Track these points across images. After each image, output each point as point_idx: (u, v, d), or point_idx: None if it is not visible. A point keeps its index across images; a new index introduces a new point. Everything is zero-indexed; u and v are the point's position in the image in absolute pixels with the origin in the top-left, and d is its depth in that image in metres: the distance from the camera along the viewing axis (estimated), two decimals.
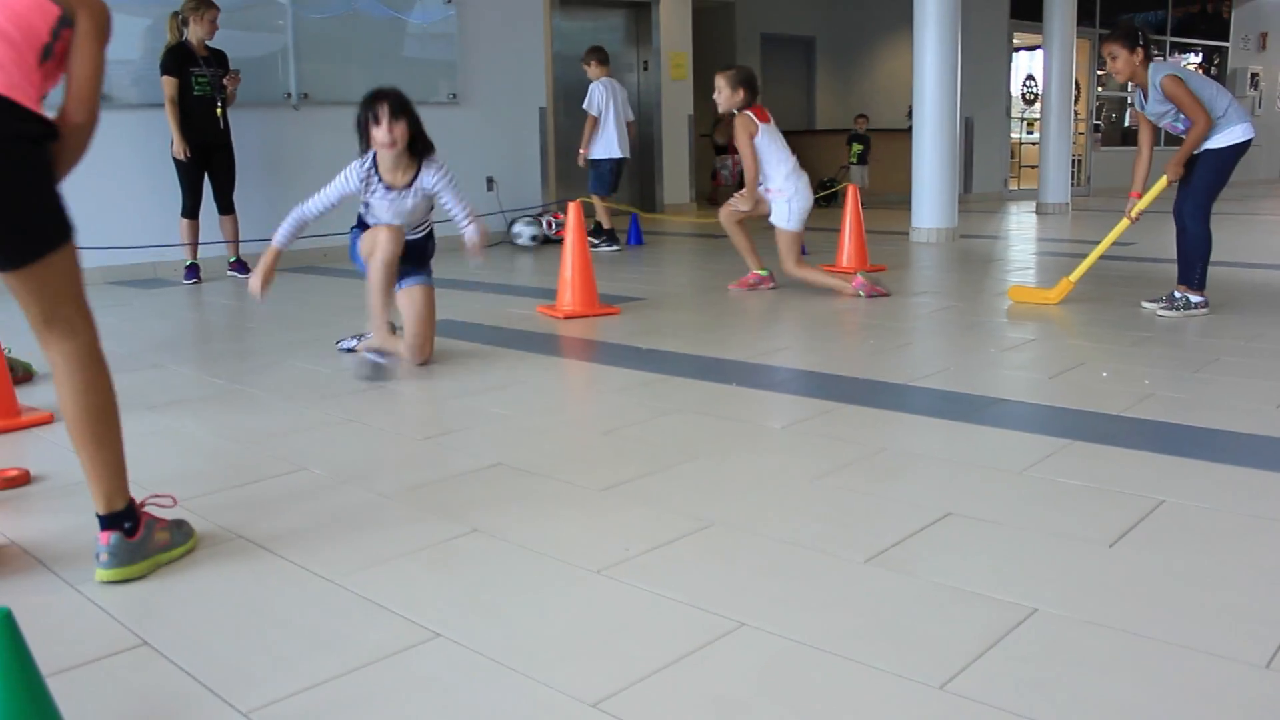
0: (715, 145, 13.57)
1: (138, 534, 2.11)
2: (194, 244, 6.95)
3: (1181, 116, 4.75)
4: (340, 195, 3.92)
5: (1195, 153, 4.75)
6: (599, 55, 8.68)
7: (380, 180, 3.90)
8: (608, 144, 8.57)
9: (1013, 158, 15.69)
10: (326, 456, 2.94)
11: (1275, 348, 4.14)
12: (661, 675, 1.68)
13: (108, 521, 2.09)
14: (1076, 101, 14.35)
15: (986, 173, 14.45)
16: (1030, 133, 15.64)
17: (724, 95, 5.71)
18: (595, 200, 8.56)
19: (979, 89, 13.53)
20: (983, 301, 5.53)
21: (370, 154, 3.90)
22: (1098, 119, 16.49)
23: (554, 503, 2.52)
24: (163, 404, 3.59)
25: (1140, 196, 5.05)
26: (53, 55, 2.01)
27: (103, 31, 2.05)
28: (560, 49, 11.40)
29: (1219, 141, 4.71)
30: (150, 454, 2.97)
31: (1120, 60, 4.80)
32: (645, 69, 12.09)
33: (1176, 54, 17.53)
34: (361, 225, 4.04)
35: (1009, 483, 2.60)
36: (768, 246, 5.84)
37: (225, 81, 6.91)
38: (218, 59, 6.88)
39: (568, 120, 11.61)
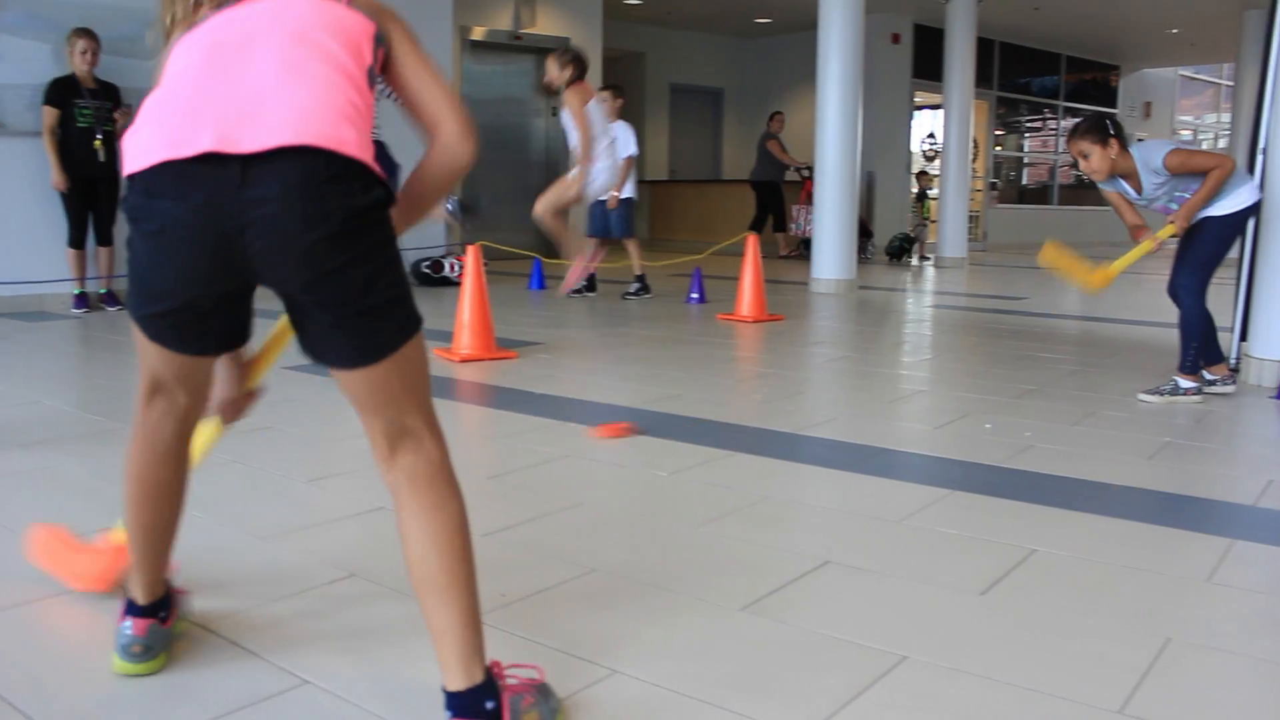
0: None
1: (504, 717, 1.57)
2: (82, 274, 6.86)
3: (1175, 195, 4.29)
4: None
5: (1200, 217, 4.26)
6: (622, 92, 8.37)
7: None
8: (632, 183, 8.10)
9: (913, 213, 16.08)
10: (204, 498, 2.86)
11: (1148, 402, 4.29)
12: None
13: (466, 702, 1.56)
14: (975, 159, 14.80)
15: (887, 227, 14.79)
16: (930, 188, 16.07)
17: (552, 73, 6.09)
18: (633, 244, 8.14)
19: (881, 144, 13.88)
20: (877, 352, 5.63)
21: None
22: (995, 177, 17.01)
23: None
24: (37, 442, 3.47)
25: (1146, 232, 4.44)
26: (373, 83, 1.62)
27: (417, 41, 1.69)
28: (469, 92, 11.42)
29: (1222, 208, 4.25)
30: (23, 495, 2.88)
31: (1094, 158, 4.22)
32: (554, 114, 12.17)
33: (1069, 118, 18.21)
34: None
35: (888, 532, 2.64)
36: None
37: (116, 115, 6.80)
38: (108, 91, 6.78)
39: (475, 163, 11.62)
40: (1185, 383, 4.33)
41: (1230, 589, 2.28)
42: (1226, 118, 18.04)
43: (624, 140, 7.98)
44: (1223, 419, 4.05)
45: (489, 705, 1.56)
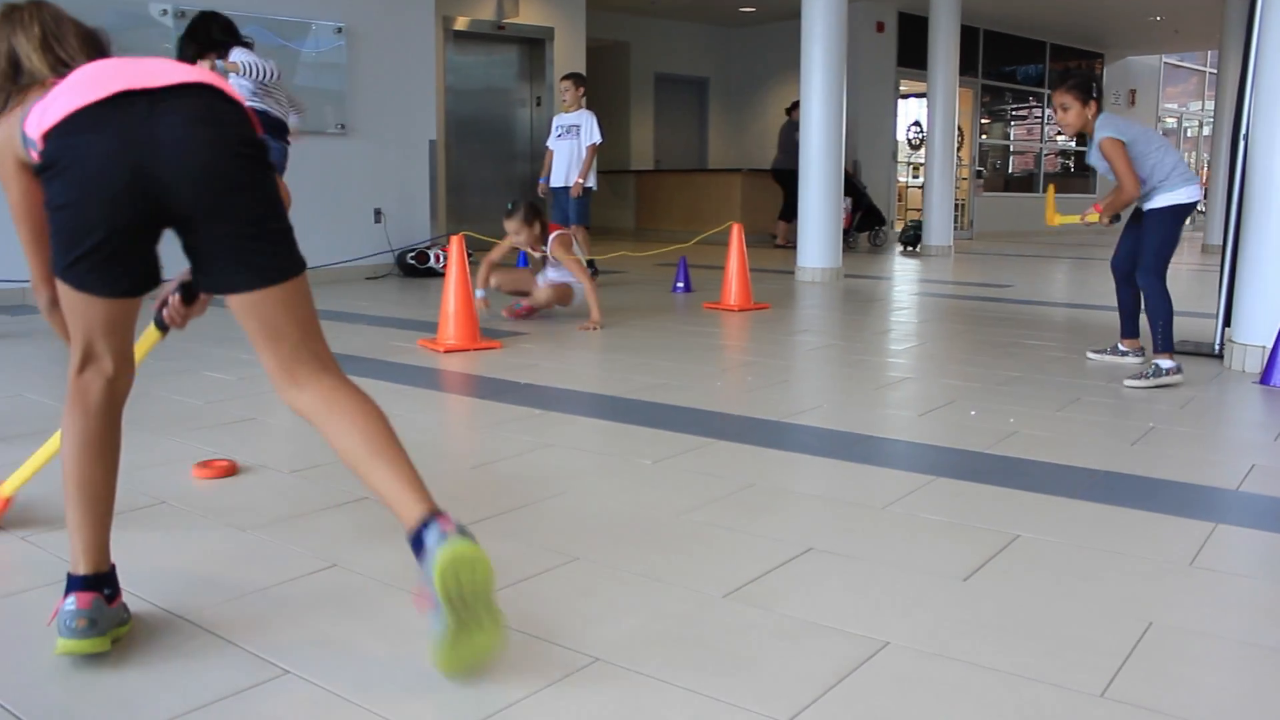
0: None
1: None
2: None
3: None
4: None
5: (1144, 210, 4.64)
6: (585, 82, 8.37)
7: None
8: (593, 172, 8.17)
9: (900, 200, 16.11)
10: (187, 490, 2.86)
11: (1132, 388, 4.30)
12: (512, 711, 1.66)
13: (433, 522, 1.76)
14: (960, 148, 14.81)
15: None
16: (915, 177, 16.08)
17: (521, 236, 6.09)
18: (583, 233, 8.00)
19: (866, 133, 13.88)
20: (862, 340, 5.64)
21: None
22: (980, 165, 17.03)
23: None
24: (19, 436, 3.45)
25: (1101, 210, 4.74)
26: None
27: None
28: (453, 82, 11.39)
29: (1160, 201, 4.59)
30: None
31: (1073, 112, 4.63)
32: (538, 104, 12.14)
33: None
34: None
35: (871, 518, 2.65)
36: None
37: None
38: None
39: (459, 153, 11.60)
40: (1165, 363, 4.44)
41: (1212, 573, 2.29)
42: (1211, 105, 18.08)
43: (587, 129, 8.01)
44: (1206, 404, 4.07)
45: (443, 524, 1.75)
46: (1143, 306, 4.72)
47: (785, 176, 12.95)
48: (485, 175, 12.02)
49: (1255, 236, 4.63)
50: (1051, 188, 5.36)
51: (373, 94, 8.85)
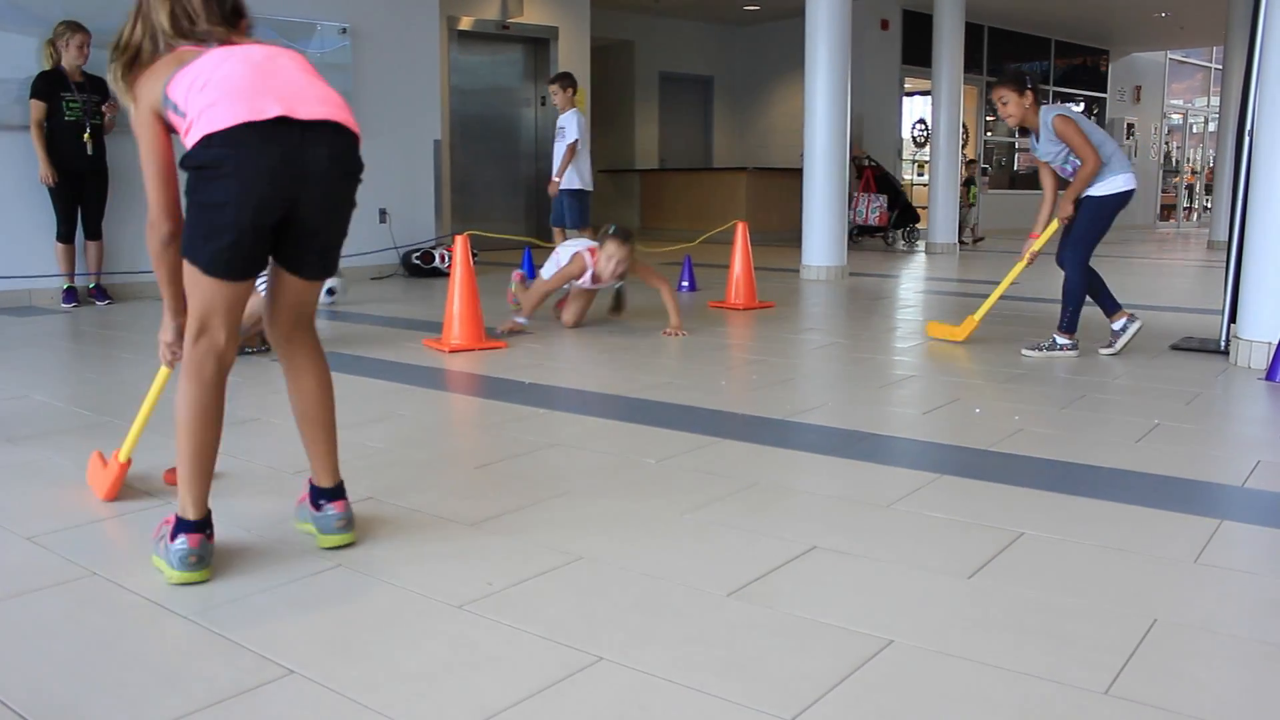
0: None
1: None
2: (71, 268, 6.85)
3: (1073, 158, 4.86)
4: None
5: (1079, 198, 4.86)
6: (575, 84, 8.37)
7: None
8: (585, 174, 8.09)
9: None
10: None
11: (1137, 385, 4.30)
12: (515, 710, 1.66)
13: (338, 491, 2.42)
14: (965, 145, 14.80)
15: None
16: (920, 174, 16.06)
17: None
18: (559, 235, 8.00)
19: (871, 130, 13.86)
20: (867, 338, 5.63)
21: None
22: (985, 163, 17.00)
23: (421, 537, 2.49)
24: (25, 437, 3.46)
25: (1038, 237, 5.15)
26: None
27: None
28: (457, 82, 11.40)
29: (1101, 189, 4.83)
30: (12, 489, 2.87)
31: (1011, 104, 4.93)
32: (543, 104, 12.14)
33: (1059, 103, 18.22)
34: None
35: (876, 516, 2.64)
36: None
37: (104, 109, 6.78)
38: (95, 85, 6.75)
39: (464, 153, 11.61)
40: (1062, 339, 4.98)
41: (1217, 570, 2.29)
42: (1216, 101, 18.04)
43: (569, 129, 7.99)
44: (1211, 400, 4.06)
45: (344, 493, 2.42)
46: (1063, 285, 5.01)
47: None
48: (490, 175, 12.02)
49: (1261, 233, 4.62)
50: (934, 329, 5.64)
51: (378, 94, 8.86)
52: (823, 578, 2.23)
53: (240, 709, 1.67)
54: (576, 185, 8.03)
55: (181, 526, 2.20)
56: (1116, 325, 5.08)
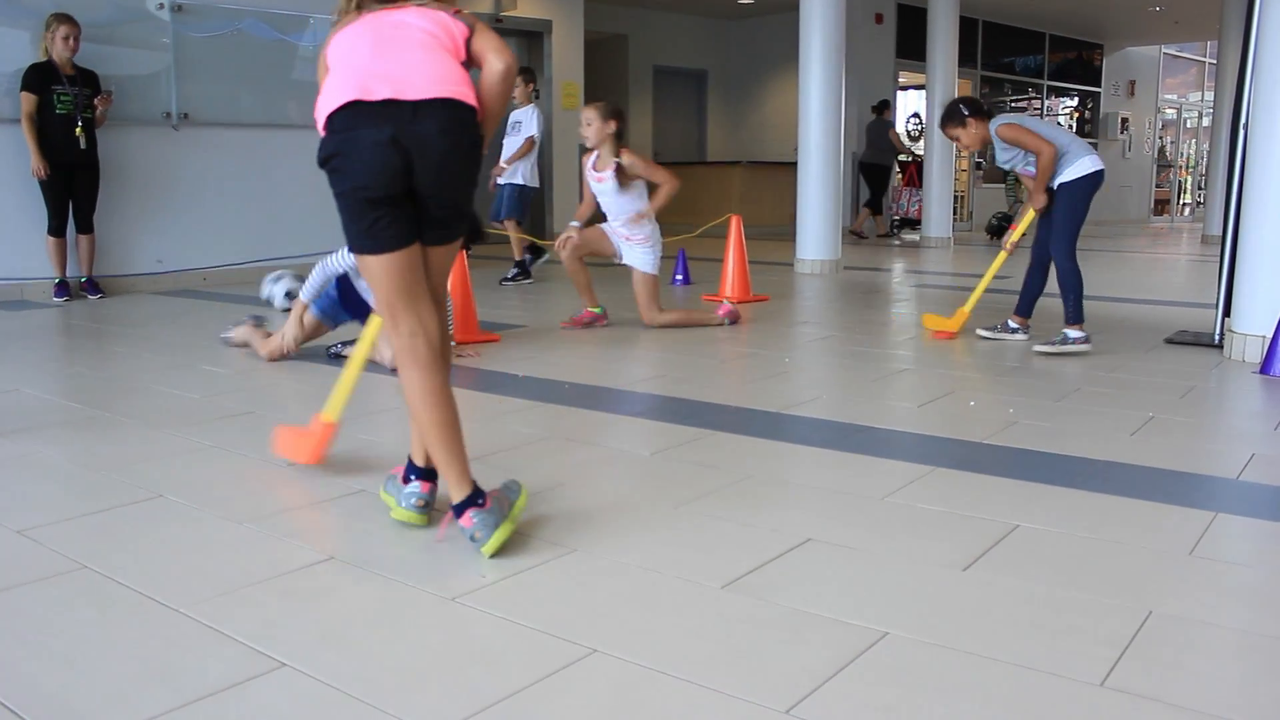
0: None
1: (488, 503, 2.29)
2: (62, 262, 6.82)
3: (1030, 158, 4.87)
4: None
5: (1053, 187, 4.86)
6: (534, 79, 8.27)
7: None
8: (531, 170, 8.06)
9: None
10: (184, 484, 2.86)
11: (1134, 378, 4.30)
12: (509, 703, 1.65)
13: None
14: None
15: None
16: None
17: (594, 128, 5.50)
18: (512, 226, 7.90)
19: (866, 124, 13.84)
20: (861, 331, 5.63)
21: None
22: (980, 156, 17.01)
23: (414, 530, 2.48)
24: (16, 430, 3.44)
25: (1016, 229, 5.20)
26: (467, 67, 2.36)
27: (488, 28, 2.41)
28: None
29: (1069, 174, 4.82)
30: (3, 481, 2.86)
31: (963, 137, 4.99)
32: (536, 97, 12.10)
33: (1054, 97, 18.23)
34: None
35: (870, 509, 2.64)
36: (607, 282, 5.84)
37: (96, 102, 6.75)
38: (86, 78, 6.73)
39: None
40: (1073, 333, 4.82)
41: (1212, 562, 2.29)
42: (1211, 95, 18.05)
43: (527, 124, 7.97)
44: (1206, 394, 4.06)
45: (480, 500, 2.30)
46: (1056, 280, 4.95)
47: (871, 170, 13.57)
48: (485, 168, 11.97)
49: (1255, 226, 4.62)
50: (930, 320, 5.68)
51: None
52: (818, 570, 2.23)
53: (232, 701, 1.66)
54: (520, 181, 7.94)
55: (416, 473, 2.49)
56: (1012, 324, 5.21)
